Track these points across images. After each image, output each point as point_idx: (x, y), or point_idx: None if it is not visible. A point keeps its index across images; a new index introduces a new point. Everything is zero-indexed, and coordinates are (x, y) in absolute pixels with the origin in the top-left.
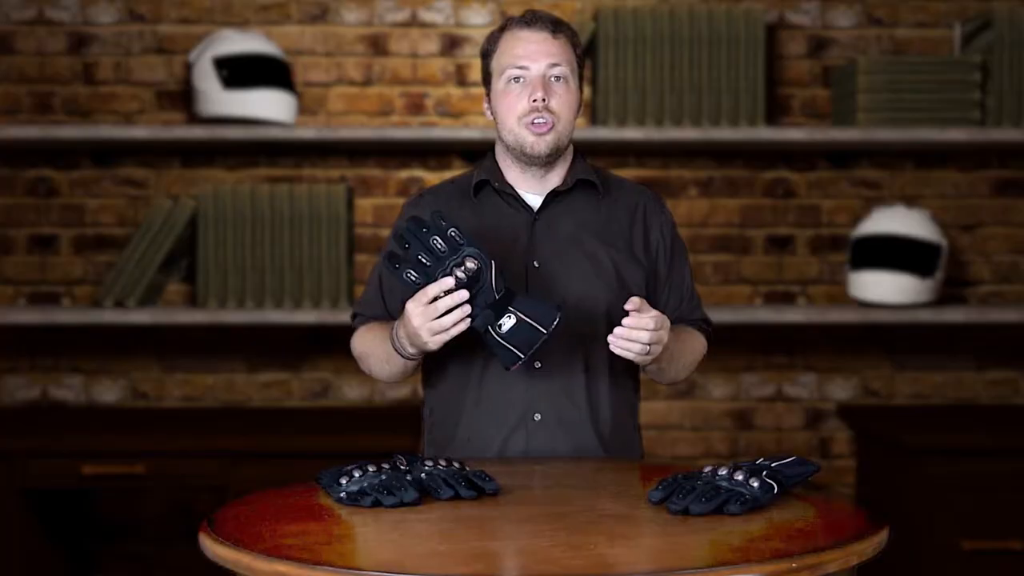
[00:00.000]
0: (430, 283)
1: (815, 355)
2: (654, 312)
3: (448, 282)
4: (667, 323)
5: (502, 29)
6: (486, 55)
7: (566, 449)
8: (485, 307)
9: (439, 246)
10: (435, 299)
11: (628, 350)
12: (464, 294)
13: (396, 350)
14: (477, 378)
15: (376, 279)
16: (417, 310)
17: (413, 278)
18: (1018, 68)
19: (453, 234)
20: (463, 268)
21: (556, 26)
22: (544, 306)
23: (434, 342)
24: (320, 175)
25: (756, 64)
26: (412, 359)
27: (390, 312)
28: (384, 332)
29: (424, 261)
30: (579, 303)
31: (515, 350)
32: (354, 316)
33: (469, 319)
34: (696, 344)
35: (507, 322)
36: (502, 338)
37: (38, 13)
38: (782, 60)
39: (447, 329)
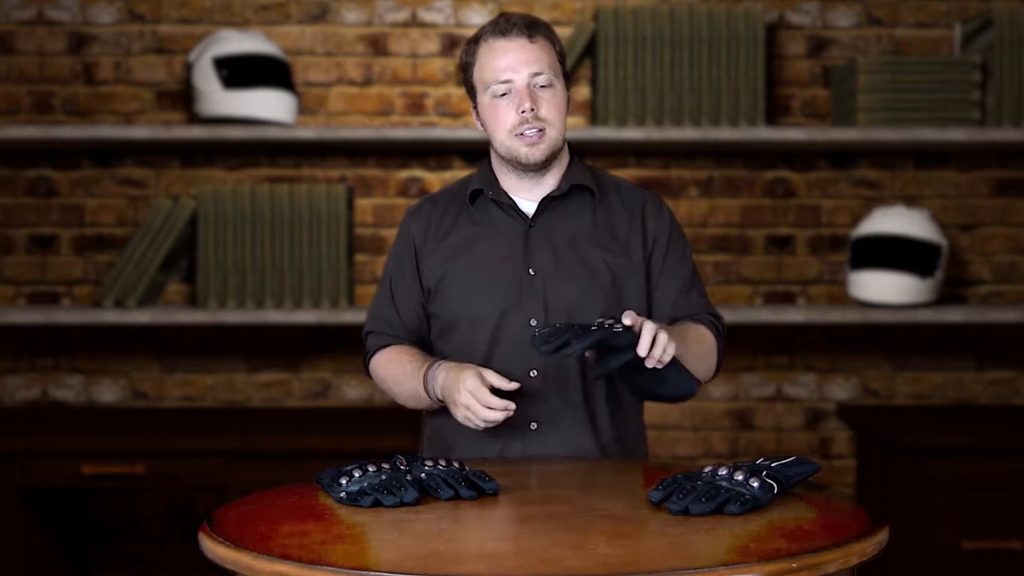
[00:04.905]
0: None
1: (815, 355)
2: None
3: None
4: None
5: (477, 40)
6: (466, 68)
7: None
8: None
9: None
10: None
11: (662, 356)
12: (512, 408)
13: (427, 389)
14: None
15: (387, 291)
16: (471, 392)
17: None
18: (1018, 68)
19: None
20: (618, 323)
21: (531, 29)
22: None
23: (461, 418)
24: (320, 175)
25: (756, 64)
26: (439, 403)
27: (406, 324)
28: (412, 367)
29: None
30: (575, 309)
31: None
32: (367, 334)
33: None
34: (700, 333)
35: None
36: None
37: (38, 13)
38: (782, 60)
39: (478, 419)
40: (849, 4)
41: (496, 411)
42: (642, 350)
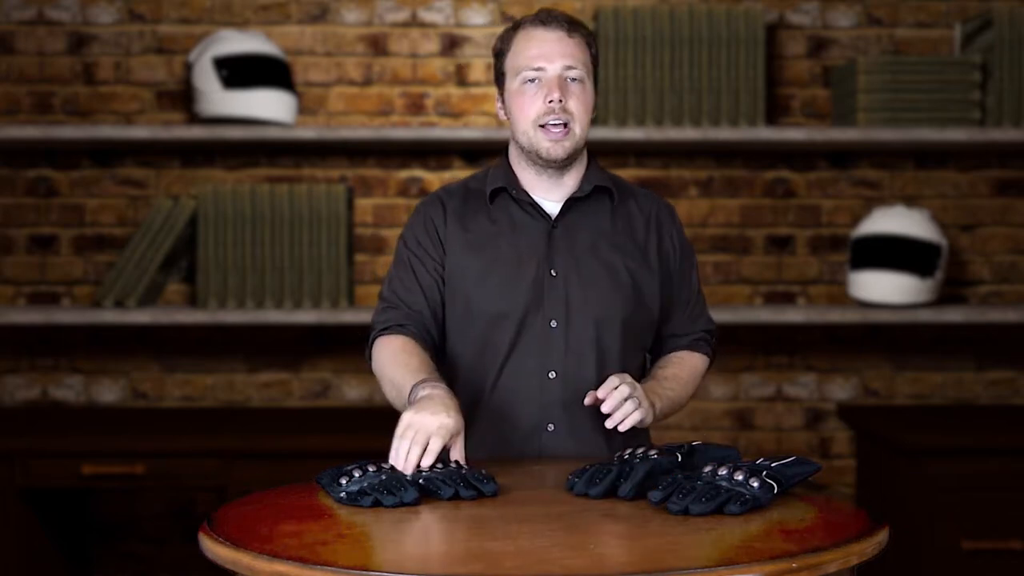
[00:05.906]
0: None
1: (815, 355)
2: (612, 382)
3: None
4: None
5: (516, 28)
6: (499, 54)
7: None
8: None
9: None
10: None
11: (626, 417)
12: (417, 470)
13: (413, 388)
14: (490, 388)
15: (407, 269)
16: (423, 427)
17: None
18: (1018, 68)
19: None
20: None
21: (572, 26)
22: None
23: (397, 433)
24: (320, 175)
25: (756, 64)
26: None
27: (425, 295)
28: (403, 380)
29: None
30: (596, 313)
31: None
32: (381, 310)
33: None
34: (691, 374)
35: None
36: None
37: (38, 13)
38: (782, 60)
39: (397, 442)
40: (849, 4)
41: (411, 456)
42: (606, 408)
